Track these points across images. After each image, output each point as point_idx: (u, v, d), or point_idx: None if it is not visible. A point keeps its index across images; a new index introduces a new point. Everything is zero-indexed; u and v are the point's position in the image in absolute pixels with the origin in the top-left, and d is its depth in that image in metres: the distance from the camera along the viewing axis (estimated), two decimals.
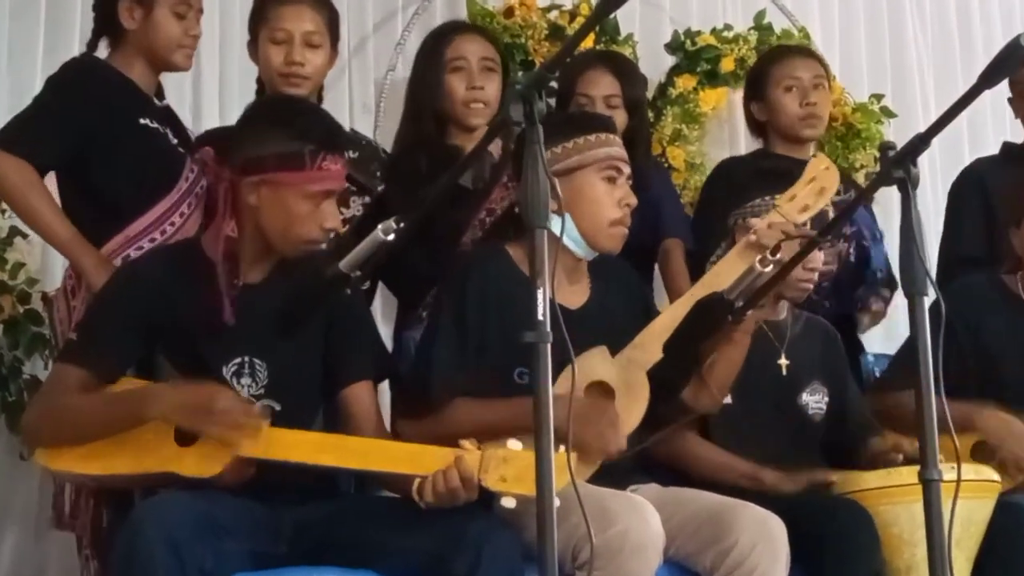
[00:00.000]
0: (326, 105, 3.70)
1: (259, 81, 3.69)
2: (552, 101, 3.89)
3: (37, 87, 3.58)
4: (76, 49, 4.02)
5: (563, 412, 2.10)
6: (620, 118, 3.79)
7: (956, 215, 4.16)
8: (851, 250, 4.02)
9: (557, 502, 2.07)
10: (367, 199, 3.59)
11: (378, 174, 3.64)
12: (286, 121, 2.85)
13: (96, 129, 3.31)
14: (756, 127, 4.23)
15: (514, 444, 2.56)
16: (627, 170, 3.09)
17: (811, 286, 3.43)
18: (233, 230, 2.81)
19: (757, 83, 4.18)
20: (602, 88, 3.91)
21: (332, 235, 2.89)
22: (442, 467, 2.57)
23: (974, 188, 4.13)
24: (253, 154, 2.80)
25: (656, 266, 3.99)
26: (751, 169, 3.82)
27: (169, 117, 3.51)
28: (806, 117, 4.07)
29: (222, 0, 4.47)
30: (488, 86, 3.65)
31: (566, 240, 2.97)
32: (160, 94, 3.52)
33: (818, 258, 3.38)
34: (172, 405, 2.65)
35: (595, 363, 2.96)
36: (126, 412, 2.70)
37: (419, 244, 3.20)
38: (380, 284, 3.82)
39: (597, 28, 4.64)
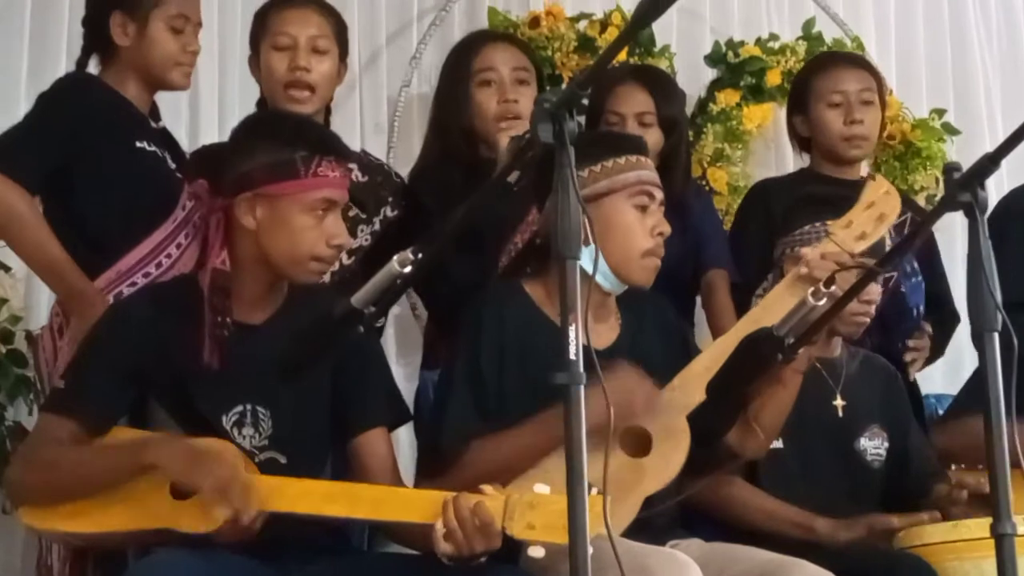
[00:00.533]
0: (335, 125, 3.70)
1: (261, 103, 3.68)
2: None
3: (21, 105, 3.59)
4: (63, 67, 4.04)
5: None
6: (654, 137, 3.78)
7: (1000, 254, 4.07)
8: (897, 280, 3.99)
9: (591, 550, 2.05)
10: (375, 228, 3.58)
11: (390, 199, 3.62)
12: (274, 130, 2.87)
13: (87, 150, 3.32)
14: (800, 142, 4.21)
15: (541, 488, 2.54)
16: (660, 195, 3.09)
17: (868, 320, 3.41)
18: (224, 262, 2.81)
19: (800, 95, 4.16)
20: (634, 105, 3.89)
21: (341, 254, 2.87)
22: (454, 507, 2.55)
23: (1019, 220, 4.03)
24: (242, 170, 2.80)
25: (698, 301, 3.97)
26: (798, 193, 3.80)
27: (167, 140, 3.52)
28: (851, 138, 4.03)
29: (221, 12, 4.49)
30: (522, 99, 3.63)
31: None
32: (155, 115, 3.53)
33: (875, 290, 3.36)
34: (172, 452, 2.65)
35: None
36: (121, 460, 2.69)
37: (461, 251, 3.17)
38: (396, 317, 3.81)
39: None
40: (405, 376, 3.85)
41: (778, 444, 3.25)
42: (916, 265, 4.05)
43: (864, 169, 4.15)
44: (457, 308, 3.42)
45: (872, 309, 3.40)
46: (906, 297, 3.99)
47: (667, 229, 3.06)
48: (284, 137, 2.82)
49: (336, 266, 3.45)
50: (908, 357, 4.01)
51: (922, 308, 4.03)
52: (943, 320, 4.13)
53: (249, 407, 2.82)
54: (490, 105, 3.63)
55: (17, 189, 3.26)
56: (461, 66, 3.69)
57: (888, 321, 3.93)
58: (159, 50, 3.42)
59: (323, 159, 2.80)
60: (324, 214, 2.80)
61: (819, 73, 4.14)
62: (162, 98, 3.60)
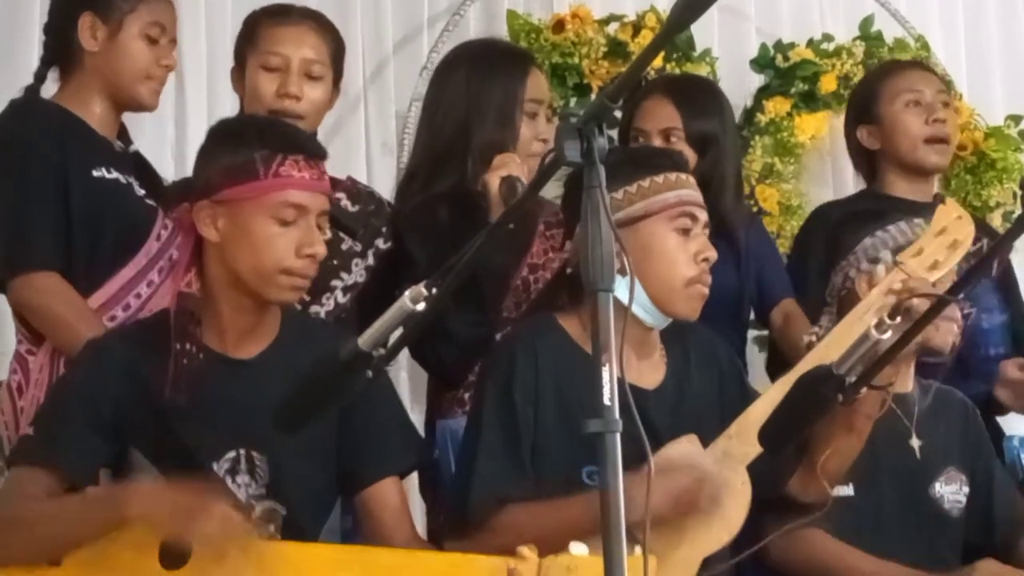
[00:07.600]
0: (337, 145, 3.70)
1: None
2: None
3: None
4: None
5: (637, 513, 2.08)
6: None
7: None
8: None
9: None
10: (369, 262, 3.57)
11: (383, 230, 3.60)
12: (234, 132, 2.89)
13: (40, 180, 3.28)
14: (865, 159, 4.19)
15: (578, 548, 2.52)
16: (704, 217, 3.07)
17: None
18: (189, 284, 2.81)
19: (867, 102, 4.15)
20: (659, 120, 3.85)
21: (316, 265, 2.85)
22: None
23: None
24: (202, 179, 2.82)
25: (748, 338, 3.97)
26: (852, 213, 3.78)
27: (137, 164, 3.47)
28: (933, 139, 4.03)
29: (209, 23, 4.51)
30: (549, 135, 3.56)
31: (633, 306, 2.96)
32: (124, 137, 3.49)
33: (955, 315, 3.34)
34: (157, 503, 2.59)
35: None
36: (99, 513, 2.64)
37: (456, 303, 3.17)
38: (410, 360, 3.80)
39: None
40: (419, 424, 3.85)
41: (848, 491, 3.25)
42: (998, 299, 4.04)
43: (935, 190, 4.14)
44: (462, 366, 3.42)
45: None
46: (985, 335, 3.98)
47: (713, 255, 3.05)
48: (244, 137, 2.83)
49: (332, 305, 3.46)
50: (1003, 394, 3.98)
51: (1001, 351, 4.02)
52: None
53: (243, 452, 2.83)
54: (529, 140, 3.55)
55: (49, 279, 3.25)
56: (512, 86, 3.58)
57: (967, 360, 3.93)
58: (130, 59, 3.40)
59: (287, 157, 2.79)
60: (293, 221, 2.80)
61: (888, 76, 4.15)
62: (146, 119, 3.59)
